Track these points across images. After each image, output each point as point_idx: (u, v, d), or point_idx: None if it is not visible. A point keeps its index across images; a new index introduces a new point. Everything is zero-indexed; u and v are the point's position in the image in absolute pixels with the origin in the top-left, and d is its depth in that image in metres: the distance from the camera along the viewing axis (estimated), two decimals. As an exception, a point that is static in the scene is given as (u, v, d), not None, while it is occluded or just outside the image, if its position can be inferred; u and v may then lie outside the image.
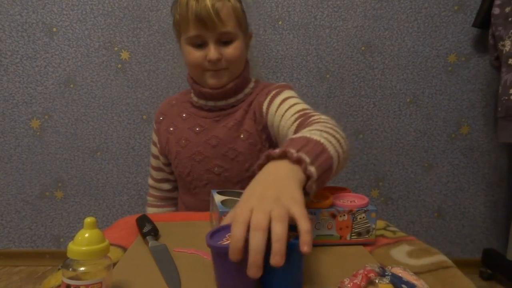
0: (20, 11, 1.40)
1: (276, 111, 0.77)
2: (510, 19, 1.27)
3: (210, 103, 0.86)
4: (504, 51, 1.28)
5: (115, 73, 1.45)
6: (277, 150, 0.48)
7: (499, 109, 1.29)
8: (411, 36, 1.44)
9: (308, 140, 0.50)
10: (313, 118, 0.66)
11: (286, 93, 0.81)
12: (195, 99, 0.89)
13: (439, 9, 1.43)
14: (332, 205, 0.54)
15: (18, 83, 1.45)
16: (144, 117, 1.48)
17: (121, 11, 1.42)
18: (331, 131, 0.56)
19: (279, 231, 0.35)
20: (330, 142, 0.53)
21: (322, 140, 0.52)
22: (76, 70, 1.45)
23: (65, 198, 1.52)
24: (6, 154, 1.49)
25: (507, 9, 1.28)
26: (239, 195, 0.61)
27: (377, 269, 0.41)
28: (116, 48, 1.44)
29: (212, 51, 0.78)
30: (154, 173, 1.00)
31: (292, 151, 0.46)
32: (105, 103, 1.47)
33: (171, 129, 0.90)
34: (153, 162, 0.99)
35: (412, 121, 1.49)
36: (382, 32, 1.44)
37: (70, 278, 0.35)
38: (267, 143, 0.83)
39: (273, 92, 0.82)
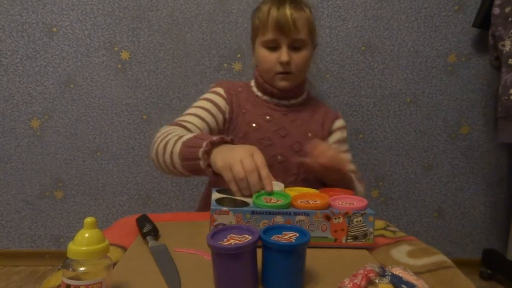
0: (20, 11, 1.40)
1: (336, 142, 0.97)
2: (510, 19, 1.27)
3: (274, 100, 0.95)
4: (504, 51, 1.28)
5: (115, 73, 1.45)
6: None
7: (499, 109, 1.29)
8: (411, 36, 1.44)
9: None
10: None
11: (345, 133, 1.01)
12: (259, 94, 0.96)
13: (439, 9, 1.43)
14: (328, 207, 0.54)
15: (18, 83, 1.45)
16: (144, 117, 1.48)
17: (121, 11, 1.41)
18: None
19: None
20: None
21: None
22: (76, 70, 1.45)
23: (65, 198, 1.52)
24: (6, 154, 1.49)
25: (507, 9, 1.28)
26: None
27: (377, 269, 0.41)
28: (116, 48, 1.44)
29: (284, 54, 0.86)
30: (191, 118, 0.87)
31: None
32: (105, 103, 1.47)
33: (243, 110, 0.93)
34: (202, 113, 0.88)
35: (412, 121, 1.49)
36: (382, 32, 1.44)
37: (70, 278, 0.35)
38: None
39: (342, 123, 1.00)
